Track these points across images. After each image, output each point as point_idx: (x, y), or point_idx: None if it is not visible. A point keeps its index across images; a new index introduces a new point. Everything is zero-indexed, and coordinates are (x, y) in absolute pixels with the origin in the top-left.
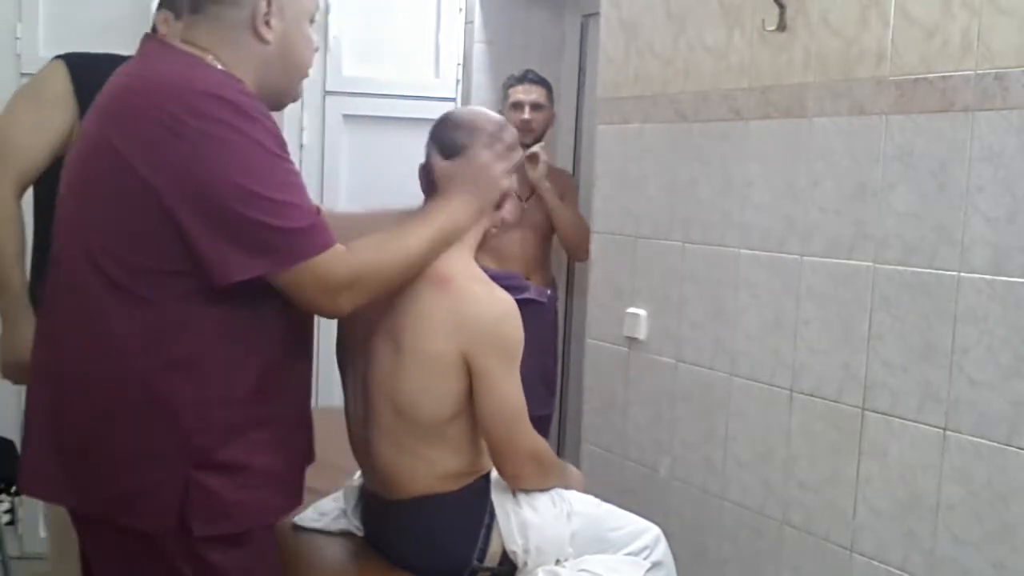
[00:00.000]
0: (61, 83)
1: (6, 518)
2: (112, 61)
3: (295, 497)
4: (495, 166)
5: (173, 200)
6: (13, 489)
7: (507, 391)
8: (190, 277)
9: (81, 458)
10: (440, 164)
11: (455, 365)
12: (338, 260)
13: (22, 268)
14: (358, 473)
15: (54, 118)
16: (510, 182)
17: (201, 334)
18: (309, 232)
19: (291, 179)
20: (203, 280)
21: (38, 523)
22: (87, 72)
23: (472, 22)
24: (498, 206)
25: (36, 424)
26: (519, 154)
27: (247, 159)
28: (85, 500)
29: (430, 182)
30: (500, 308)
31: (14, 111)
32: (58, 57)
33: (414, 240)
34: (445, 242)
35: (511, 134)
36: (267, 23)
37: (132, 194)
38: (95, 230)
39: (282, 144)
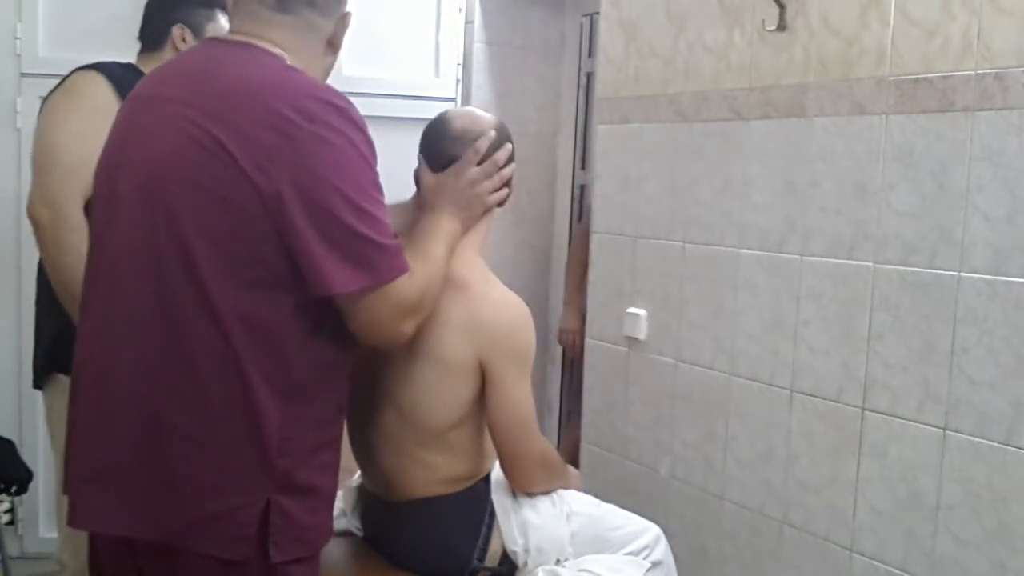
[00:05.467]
0: (106, 93)
1: (6, 518)
2: (133, 70)
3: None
4: (482, 185)
5: (283, 204)
6: (13, 489)
7: (519, 397)
8: (289, 291)
9: (154, 483)
10: (427, 176)
11: (471, 370)
12: (409, 283)
13: None
14: (357, 474)
15: (108, 129)
16: (498, 198)
17: (295, 352)
18: (398, 252)
19: (380, 194)
20: (302, 294)
21: (38, 523)
22: (123, 81)
23: (472, 22)
24: (500, 204)
25: (84, 452)
26: (511, 170)
27: (353, 169)
28: (155, 528)
29: (419, 191)
30: (516, 313)
31: (68, 126)
32: (89, 67)
33: (440, 258)
34: (449, 259)
35: (505, 151)
36: (340, 36)
37: (241, 195)
38: (193, 233)
39: (375, 156)
